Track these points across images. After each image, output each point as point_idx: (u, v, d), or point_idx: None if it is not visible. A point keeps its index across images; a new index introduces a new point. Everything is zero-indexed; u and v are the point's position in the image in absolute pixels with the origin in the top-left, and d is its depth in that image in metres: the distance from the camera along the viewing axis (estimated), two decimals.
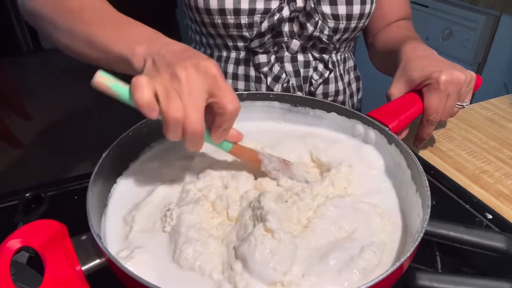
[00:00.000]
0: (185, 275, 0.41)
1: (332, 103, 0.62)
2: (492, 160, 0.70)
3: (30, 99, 2.55)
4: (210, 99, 0.42)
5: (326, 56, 0.79)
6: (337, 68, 0.83)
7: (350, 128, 0.61)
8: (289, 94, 0.64)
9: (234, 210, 0.47)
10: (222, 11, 0.71)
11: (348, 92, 0.88)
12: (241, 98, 0.63)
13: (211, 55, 0.81)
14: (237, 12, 0.71)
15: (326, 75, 0.80)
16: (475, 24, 1.48)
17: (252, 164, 0.52)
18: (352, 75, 0.90)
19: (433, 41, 1.62)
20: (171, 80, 0.41)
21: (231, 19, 0.72)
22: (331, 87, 0.82)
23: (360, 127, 0.59)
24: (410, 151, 0.51)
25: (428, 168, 0.65)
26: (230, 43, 0.77)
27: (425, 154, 0.72)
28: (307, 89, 0.81)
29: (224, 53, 0.79)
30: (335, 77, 0.82)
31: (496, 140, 0.75)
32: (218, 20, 0.72)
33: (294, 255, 0.41)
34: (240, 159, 0.52)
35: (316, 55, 0.79)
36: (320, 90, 0.82)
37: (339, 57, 0.83)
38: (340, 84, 0.83)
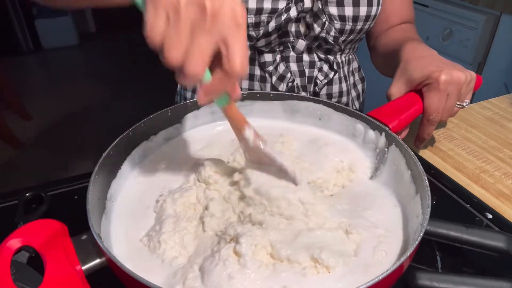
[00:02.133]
0: (154, 258, 0.43)
1: (333, 102, 0.62)
2: (492, 160, 0.70)
3: (30, 99, 2.55)
4: (221, 47, 0.37)
5: (331, 57, 0.79)
6: (341, 69, 0.83)
7: (350, 127, 0.61)
8: (289, 93, 0.64)
9: (216, 223, 0.46)
10: None
11: (354, 94, 0.88)
12: (241, 98, 0.63)
13: None
14: None
15: (331, 76, 0.80)
16: (475, 24, 1.48)
17: (234, 130, 0.48)
18: (356, 76, 0.90)
19: (433, 41, 1.62)
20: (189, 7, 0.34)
21: None
22: (335, 88, 0.82)
23: (360, 126, 0.59)
24: (410, 151, 0.51)
25: (428, 168, 0.65)
26: None
27: (425, 153, 0.71)
28: (311, 89, 0.81)
29: None
30: (339, 78, 0.82)
31: (496, 140, 0.75)
32: None
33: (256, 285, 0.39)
34: (229, 121, 0.47)
35: (321, 55, 0.79)
36: (324, 91, 0.82)
37: (343, 58, 0.83)
38: (344, 85, 0.83)
